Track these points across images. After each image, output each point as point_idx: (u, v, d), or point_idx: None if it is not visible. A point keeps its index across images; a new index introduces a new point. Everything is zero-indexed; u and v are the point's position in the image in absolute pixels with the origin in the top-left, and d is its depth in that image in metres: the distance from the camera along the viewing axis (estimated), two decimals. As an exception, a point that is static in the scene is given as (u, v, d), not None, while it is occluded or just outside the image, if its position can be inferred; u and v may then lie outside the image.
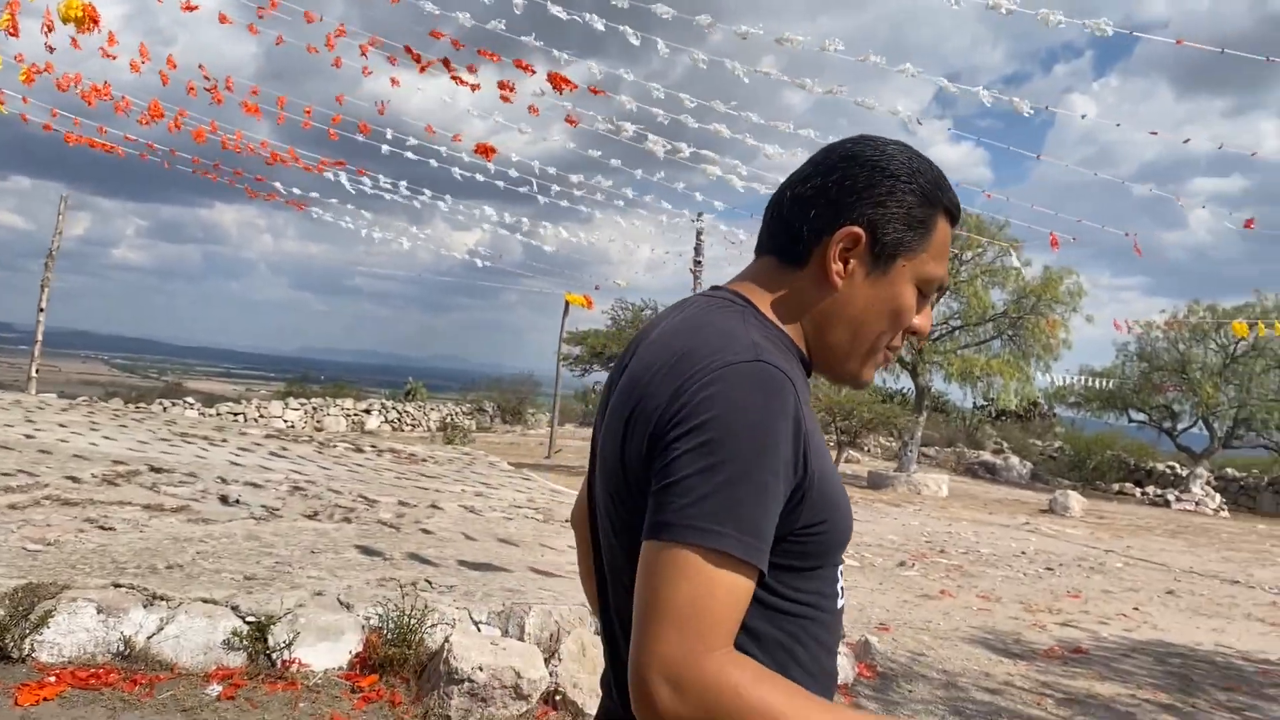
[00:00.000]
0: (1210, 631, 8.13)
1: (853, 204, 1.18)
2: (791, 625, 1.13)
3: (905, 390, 23.28)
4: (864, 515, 14.00)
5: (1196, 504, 22.83)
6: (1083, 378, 25.74)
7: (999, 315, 20.39)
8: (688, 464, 1.02)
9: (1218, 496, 23.64)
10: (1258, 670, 6.90)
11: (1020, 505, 18.49)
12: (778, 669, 1.09)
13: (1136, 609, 8.75)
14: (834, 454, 18.16)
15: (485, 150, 10.32)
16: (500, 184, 13.02)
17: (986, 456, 28.00)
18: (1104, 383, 25.54)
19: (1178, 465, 26.18)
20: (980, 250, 19.33)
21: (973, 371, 19.18)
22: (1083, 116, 10.09)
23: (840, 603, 1.23)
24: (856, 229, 1.18)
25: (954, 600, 8.33)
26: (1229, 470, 26.04)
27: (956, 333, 21.17)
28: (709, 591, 0.99)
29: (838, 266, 1.19)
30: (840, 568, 1.23)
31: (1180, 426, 25.93)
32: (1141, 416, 26.51)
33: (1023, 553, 11.76)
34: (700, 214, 16.67)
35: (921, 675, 5.85)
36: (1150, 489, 25.02)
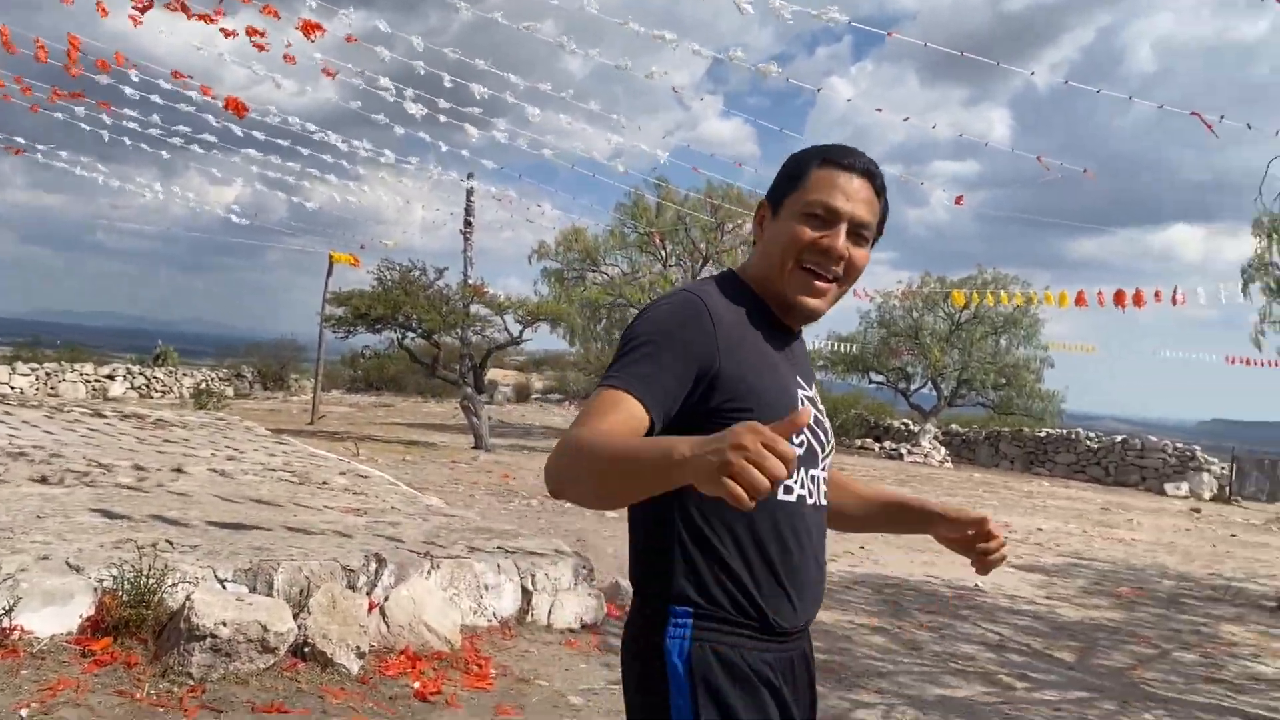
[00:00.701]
0: (922, 565, 9.16)
1: (769, 192, 1.67)
2: (722, 506, 1.23)
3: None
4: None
5: (925, 456, 25.28)
6: (830, 342, 27.74)
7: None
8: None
9: (943, 449, 26.28)
10: (955, 595, 7.89)
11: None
12: (708, 536, 1.46)
13: (862, 547, 9.69)
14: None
15: (236, 106, 9.76)
16: (259, 135, 12.40)
17: (746, 417, 29.67)
18: (849, 347, 27.66)
19: (910, 422, 28.79)
20: (740, 222, 20.39)
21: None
22: (848, 101, 10.87)
23: (785, 496, 1.51)
24: (761, 202, 1.67)
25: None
26: (953, 426, 28.95)
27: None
28: (595, 404, 1.40)
29: (755, 229, 1.67)
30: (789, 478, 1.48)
31: (913, 387, 28.50)
32: (880, 378, 28.90)
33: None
34: (470, 174, 16.57)
35: (667, 613, 6.28)
36: (887, 444, 27.46)
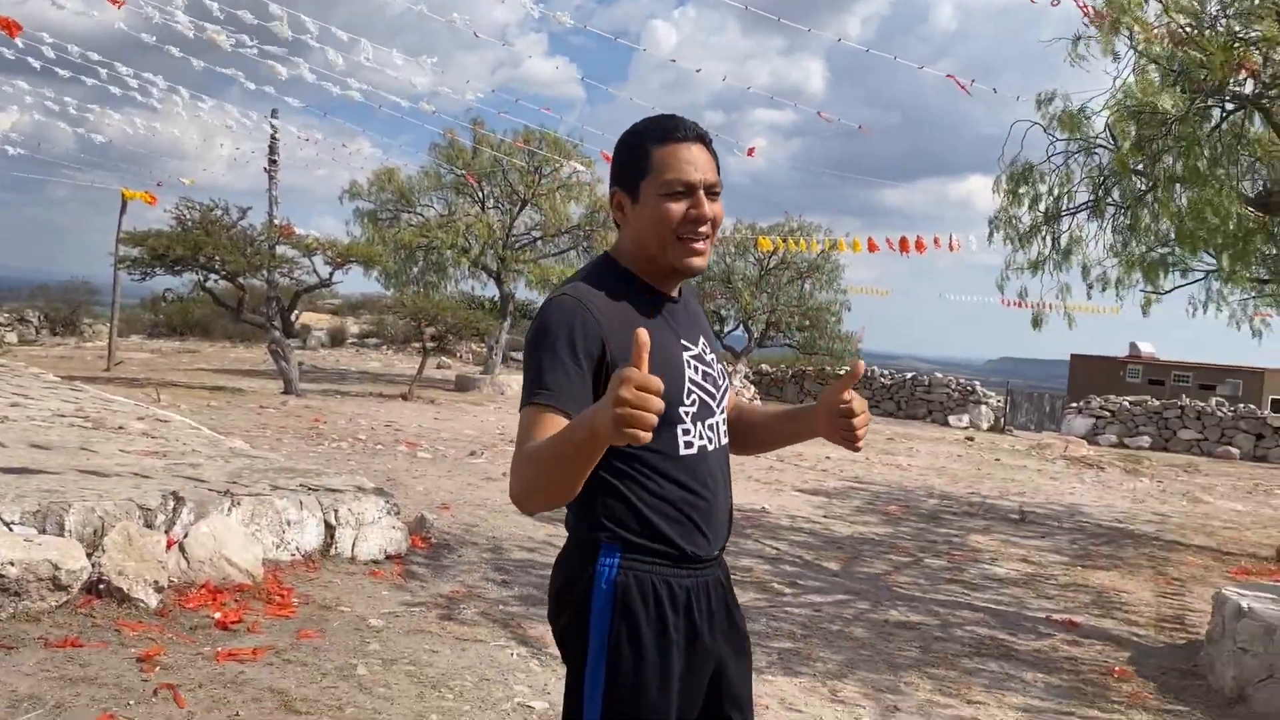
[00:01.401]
0: (718, 492, 9.85)
1: (612, 178, 1.85)
2: (635, 463, 1.71)
3: (493, 297, 24.22)
4: (446, 415, 14.70)
5: (736, 394, 26.54)
6: (649, 286, 28.42)
7: (575, 227, 21.90)
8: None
9: (753, 388, 27.64)
10: (743, 517, 8.59)
11: (591, 401, 20.33)
12: (626, 488, 1.73)
13: (665, 479, 10.31)
14: (420, 360, 18.62)
15: (6, 25, 9.08)
16: (34, 61, 11.55)
17: (567, 359, 30.14)
18: (666, 291, 28.47)
19: (724, 363, 30.08)
20: (558, 166, 20.54)
21: (550, 279, 20.51)
22: (672, 61, 11.04)
23: (686, 451, 1.77)
24: (613, 189, 1.84)
25: (512, 481, 9.27)
26: (763, 366, 30.47)
27: (537, 243, 22.42)
28: (524, 425, 1.65)
29: (616, 215, 1.86)
30: (683, 426, 1.77)
31: (726, 329, 29.72)
32: (697, 321, 29.97)
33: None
34: (274, 111, 15.94)
35: (473, 543, 6.60)
36: (703, 384, 28.59)
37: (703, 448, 1.81)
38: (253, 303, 17.82)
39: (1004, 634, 5.58)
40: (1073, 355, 42.33)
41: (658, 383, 1.39)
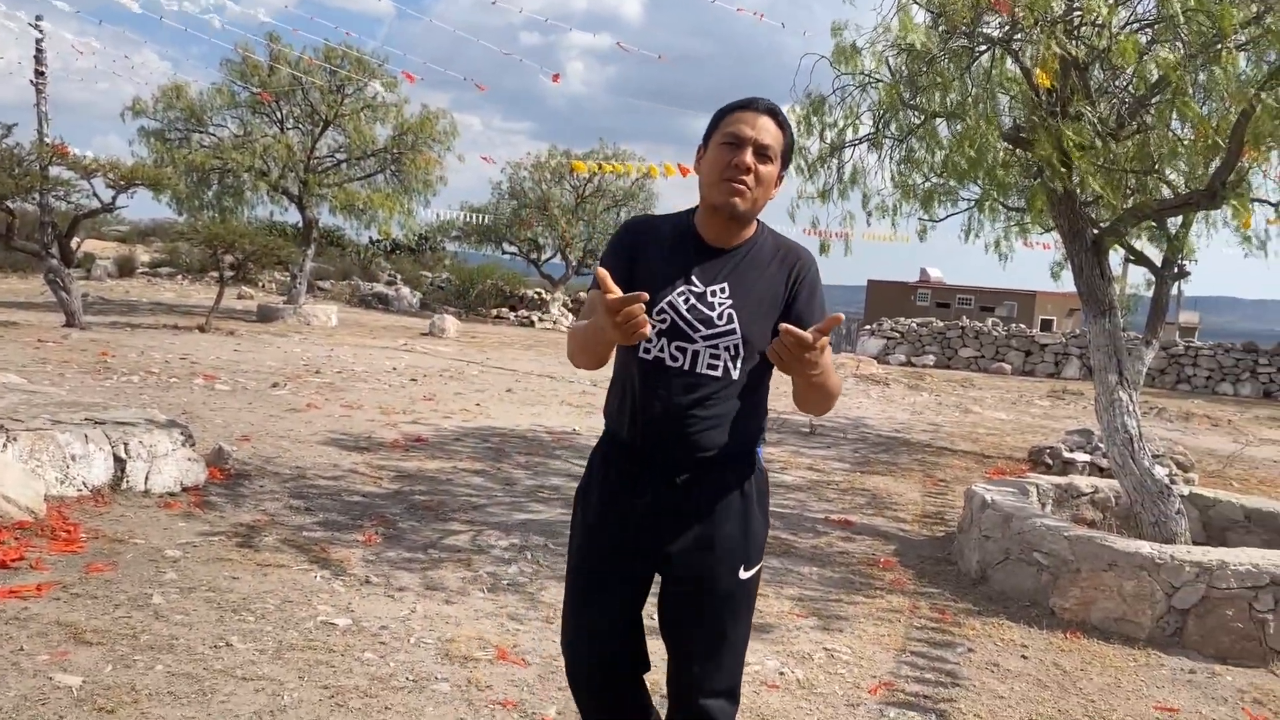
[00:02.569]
0: (531, 416, 10.05)
1: (703, 140, 2.28)
2: (617, 364, 2.31)
3: (296, 224, 23.17)
4: (247, 346, 14.14)
5: (554, 323, 26.73)
6: (464, 213, 28.02)
7: (382, 150, 21.17)
8: None
9: (571, 316, 27.88)
10: (555, 439, 8.83)
11: (405, 330, 20.00)
12: (614, 381, 2.32)
13: (478, 405, 10.41)
14: (218, 290, 17.69)
15: None
16: None
17: (380, 288, 29.31)
18: (481, 218, 28.14)
19: (543, 291, 30.10)
20: (361, 85, 19.73)
21: (355, 204, 19.86)
22: None
23: (643, 356, 2.19)
24: (698, 149, 2.28)
25: (319, 411, 9.12)
26: (581, 294, 30.74)
27: (342, 166, 21.54)
28: (586, 303, 2.22)
29: (696, 168, 2.26)
30: (649, 342, 2.18)
31: (544, 257, 29.76)
32: (513, 249, 29.82)
33: (394, 369, 13.01)
34: (39, 16, 14.49)
35: (274, 473, 6.52)
36: (521, 312, 28.58)
37: (660, 360, 2.18)
38: (25, 229, 16.37)
39: (786, 534, 6.09)
40: (869, 281, 44.91)
41: (625, 301, 1.88)
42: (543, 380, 13.39)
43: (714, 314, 2.16)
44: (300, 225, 21.71)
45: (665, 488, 2.21)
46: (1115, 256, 10.46)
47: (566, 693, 3.51)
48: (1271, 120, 5.27)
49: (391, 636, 3.92)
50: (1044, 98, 5.83)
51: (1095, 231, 6.21)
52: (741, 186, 2.12)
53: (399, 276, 30.98)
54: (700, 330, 2.16)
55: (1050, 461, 8.74)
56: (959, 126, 6.63)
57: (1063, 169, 5.22)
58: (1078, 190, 5.64)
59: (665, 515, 2.22)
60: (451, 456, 7.67)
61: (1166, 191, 7.47)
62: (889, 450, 9.85)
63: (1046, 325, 32.33)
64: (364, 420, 8.89)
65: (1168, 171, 7.75)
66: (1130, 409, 5.70)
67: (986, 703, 3.80)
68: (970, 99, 6.13)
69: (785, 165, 2.22)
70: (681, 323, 2.15)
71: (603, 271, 1.99)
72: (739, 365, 2.19)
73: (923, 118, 6.96)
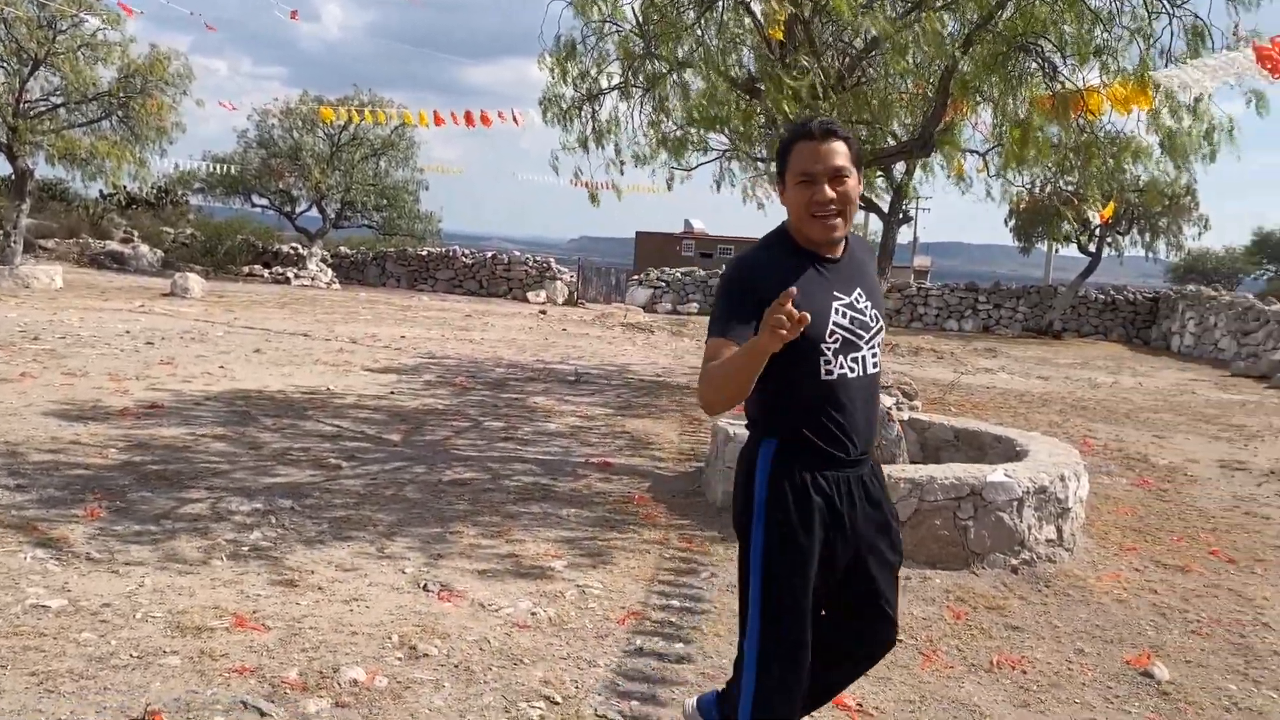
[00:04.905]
0: (281, 376, 9.57)
1: (776, 172, 2.43)
2: (788, 384, 2.31)
3: (7, 176, 20.67)
4: (-51, 313, 12.56)
5: (312, 279, 25.49)
6: (207, 163, 26.04)
7: (106, 94, 19.15)
8: None
9: (330, 272, 26.69)
10: (306, 399, 8.47)
11: (143, 291, 18.45)
12: (781, 403, 2.32)
13: (222, 368, 9.79)
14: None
15: None
16: None
17: (114, 246, 26.78)
18: (226, 169, 26.25)
19: (299, 246, 28.58)
20: (77, 20, 17.73)
21: (77, 153, 17.96)
22: None
23: (827, 376, 2.29)
24: (776, 177, 2.43)
25: (35, 380, 8.27)
26: (342, 249, 29.42)
27: (60, 111, 19.33)
28: (709, 352, 2.21)
29: (781, 197, 2.39)
30: (824, 358, 2.28)
31: (298, 210, 28.20)
32: (264, 201, 28.06)
33: (127, 332, 11.98)
34: None
35: (-21, 450, 5.87)
36: (276, 269, 27.03)
37: (843, 375, 2.31)
38: None
39: (547, 479, 6.17)
40: (638, 232, 45.79)
41: (791, 310, 1.91)
42: (296, 339, 12.77)
43: (866, 317, 2.37)
44: (12, 177, 19.39)
45: (862, 488, 2.41)
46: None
47: (310, 654, 3.44)
48: (974, 76, 5.80)
49: (114, 614, 3.65)
50: (776, 50, 6.12)
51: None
52: (832, 221, 2.30)
53: (136, 233, 28.43)
54: (863, 336, 2.36)
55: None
56: (699, 76, 6.84)
57: (796, 118, 5.49)
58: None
59: (861, 512, 2.41)
60: (190, 423, 7.18)
61: (893, 142, 8.08)
62: (651, 394, 10.16)
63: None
64: (90, 389, 8.14)
65: (893, 123, 8.36)
66: (857, 343, 6.15)
67: (727, 622, 4.03)
68: (706, 50, 6.34)
69: (861, 168, 2.37)
70: (850, 335, 2.32)
71: (789, 291, 1.98)
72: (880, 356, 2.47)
73: (668, 68, 7.12)
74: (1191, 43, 5.24)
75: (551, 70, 8.33)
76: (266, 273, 26.61)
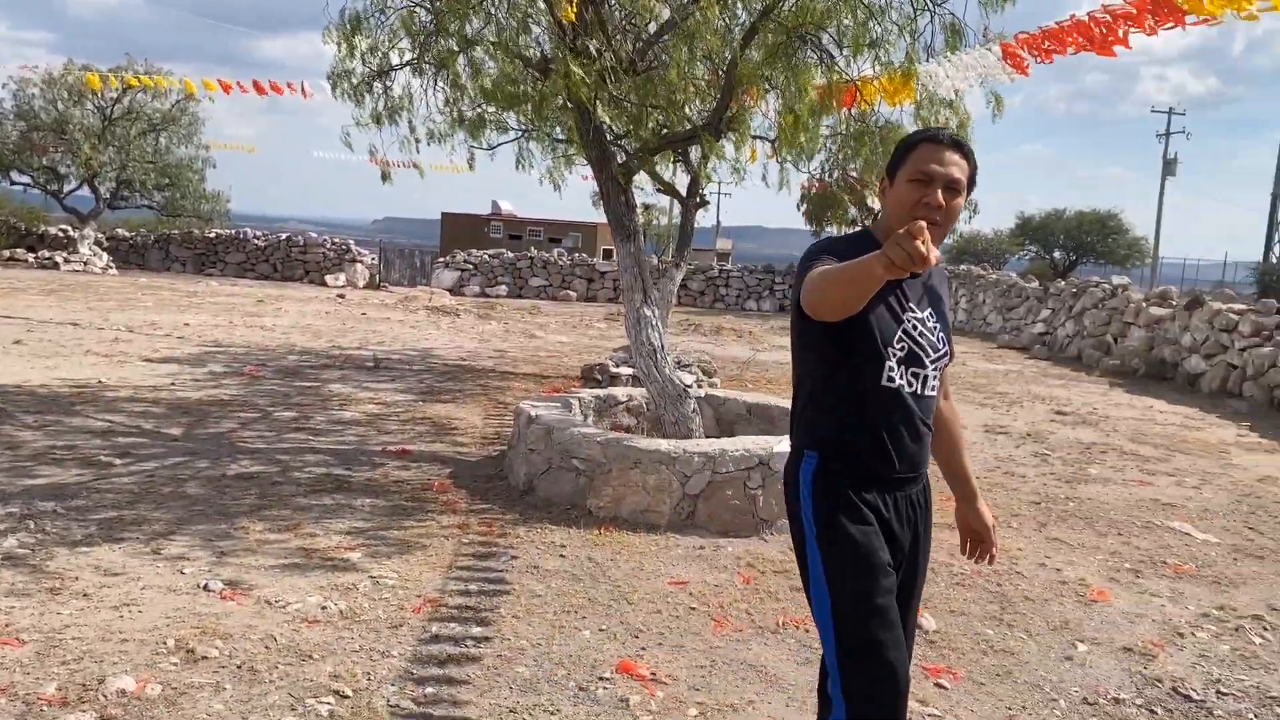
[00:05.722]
0: (45, 370, 8.78)
1: (887, 169, 2.24)
2: (842, 392, 2.19)
3: None
4: None
5: (85, 264, 23.47)
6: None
7: None
8: None
9: (106, 256, 24.65)
10: (73, 394, 7.81)
11: (-123, 279, 16.45)
12: (830, 412, 2.19)
13: (-25, 361, 8.88)
14: None
15: None
16: None
17: None
18: (-22, 143, 23.70)
19: (70, 228, 26.22)
20: None
21: None
22: None
23: (887, 384, 2.16)
24: (882, 177, 2.26)
25: None
26: (120, 231, 27.19)
27: None
28: (811, 275, 2.04)
29: (880, 197, 2.27)
30: (889, 364, 2.15)
31: (67, 189, 25.87)
32: (26, 179, 25.57)
33: None
34: None
35: None
36: (43, 253, 24.69)
37: (901, 388, 2.17)
38: None
39: (341, 470, 5.97)
40: (444, 214, 44.92)
41: (919, 247, 1.67)
42: (64, 329, 11.75)
43: (934, 338, 2.24)
44: None
45: (911, 508, 2.28)
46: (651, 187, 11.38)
47: (71, 666, 3.20)
48: (758, 64, 6.01)
49: None
50: (567, 31, 6.12)
51: (620, 162, 6.69)
52: (932, 230, 2.09)
53: None
54: (930, 355, 2.23)
55: (600, 377, 9.43)
56: (488, 55, 6.76)
57: (586, 101, 5.52)
58: (604, 122, 6.03)
59: (910, 533, 2.28)
60: (-65, 422, 6.48)
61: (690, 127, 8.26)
62: (455, 378, 10.01)
63: (608, 255, 34.65)
64: None
65: (687, 109, 8.55)
66: (654, 324, 6.29)
67: (525, 602, 4.05)
68: (498, 27, 6.26)
69: (970, 192, 2.25)
70: (917, 349, 2.20)
71: (920, 225, 1.74)
72: (941, 383, 2.35)
73: (461, 45, 6.99)
74: (950, 40, 5.66)
75: (338, 44, 8.00)
76: (31, 257, 24.25)
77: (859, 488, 2.16)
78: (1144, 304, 15.07)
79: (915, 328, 2.19)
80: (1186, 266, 42.00)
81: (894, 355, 2.15)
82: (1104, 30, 5.63)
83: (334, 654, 3.46)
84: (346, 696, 3.16)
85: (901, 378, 2.17)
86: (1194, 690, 3.66)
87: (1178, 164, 44.78)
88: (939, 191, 2.12)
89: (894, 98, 6.05)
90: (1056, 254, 34.39)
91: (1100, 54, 5.76)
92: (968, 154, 2.19)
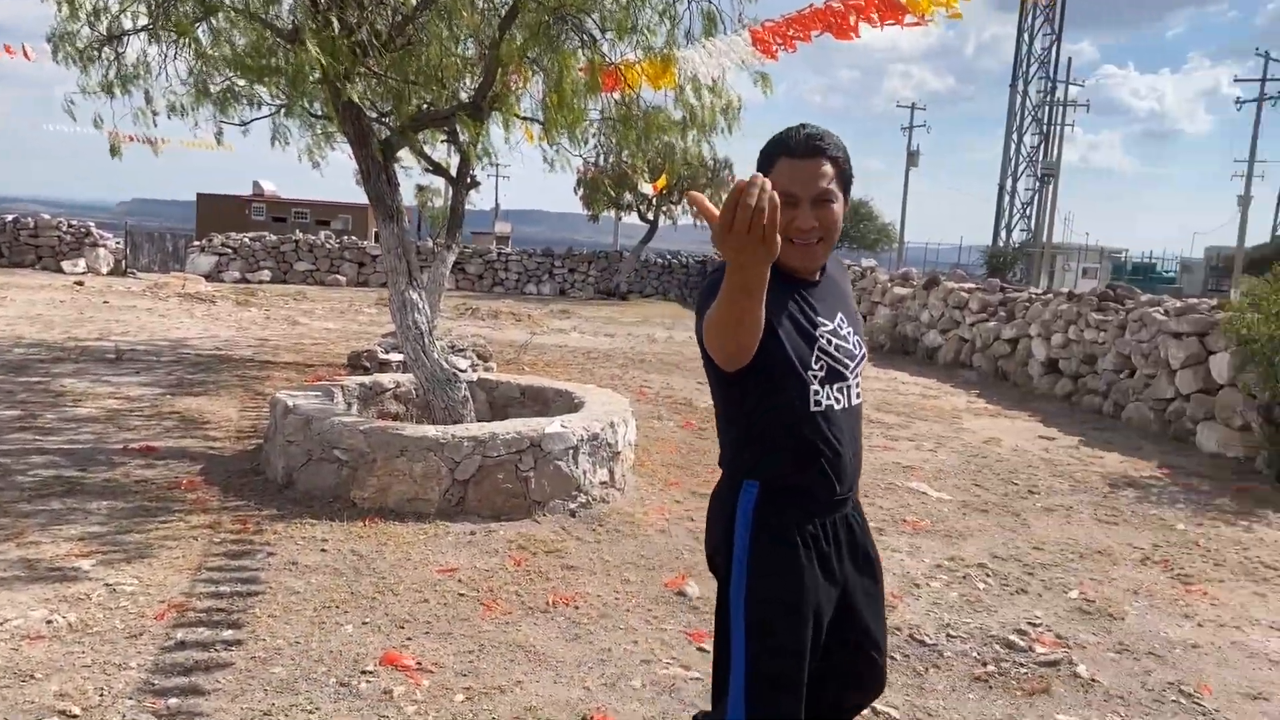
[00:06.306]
0: None
1: None
2: (772, 417, 2.05)
3: None
4: None
5: None
6: None
7: None
8: None
9: None
10: None
11: None
12: (764, 439, 2.04)
13: None
14: None
15: None
16: None
17: None
18: None
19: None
20: None
21: None
22: None
23: (815, 408, 2.02)
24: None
25: None
26: None
27: None
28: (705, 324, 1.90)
29: None
30: (813, 387, 2.02)
31: None
32: None
33: None
34: None
35: None
36: None
37: (830, 406, 2.06)
38: None
39: (74, 471, 5.45)
40: (199, 195, 41.85)
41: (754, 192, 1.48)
42: None
43: (849, 344, 2.12)
44: None
45: (847, 529, 2.18)
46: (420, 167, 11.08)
47: None
48: (522, 44, 5.97)
49: None
50: (319, 1, 5.83)
51: (381, 139, 6.46)
52: (813, 249, 2.03)
53: None
54: (849, 365, 2.12)
55: (368, 364, 9.12)
56: (226, 22, 6.37)
57: (335, 76, 5.29)
58: (357, 97, 5.79)
59: (848, 556, 2.17)
60: None
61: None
62: (209, 370, 9.36)
63: (379, 237, 33.50)
64: None
65: (454, 86, 8.37)
66: (420, 307, 6.14)
67: (282, 600, 3.86)
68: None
69: (849, 187, 2.07)
70: (836, 364, 2.08)
71: (694, 195, 1.56)
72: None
73: (200, 10, 6.51)
74: (707, 26, 5.86)
75: (59, 4, 7.26)
76: None
77: (802, 519, 2.05)
78: (889, 284, 16.32)
79: (830, 341, 2.06)
80: (928, 250, 45.91)
81: (815, 377, 2.02)
82: (838, 19, 6.01)
83: (61, 671, 3.16)
84: (75, 716, 2.90)
85: (828, 397, 2.06)
86: (927, 635, 4.01)
87: (920, 156, 48.75)
88: (807, 214, 1.98)
89: (657, 82, 6.19)
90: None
91: (838, 38, 6.16)
92: (832, 156, 2.00)
